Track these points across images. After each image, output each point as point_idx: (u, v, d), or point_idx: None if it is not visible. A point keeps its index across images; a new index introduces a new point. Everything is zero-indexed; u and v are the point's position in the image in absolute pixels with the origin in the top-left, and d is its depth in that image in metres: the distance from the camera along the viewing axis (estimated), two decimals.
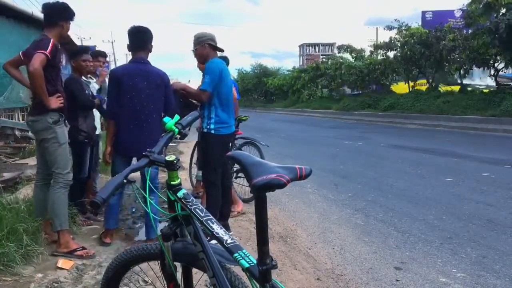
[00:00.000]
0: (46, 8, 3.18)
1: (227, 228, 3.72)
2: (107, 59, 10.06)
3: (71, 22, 3.26)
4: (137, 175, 1.44)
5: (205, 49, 3.68)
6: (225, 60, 4.34)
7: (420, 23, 23.19)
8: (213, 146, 3.61)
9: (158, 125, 3.40)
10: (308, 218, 4.50)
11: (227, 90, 3.63)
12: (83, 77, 4.14)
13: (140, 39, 3.45)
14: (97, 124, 4.36)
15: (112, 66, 22.94)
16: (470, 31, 18.06)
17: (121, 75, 3.36)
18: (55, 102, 3.10)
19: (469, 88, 19.56)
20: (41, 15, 3.31)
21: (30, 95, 3.45)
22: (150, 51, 3.53)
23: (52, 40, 3.05)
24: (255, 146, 4.90)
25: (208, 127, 3.61)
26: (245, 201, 4.88)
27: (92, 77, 4.53)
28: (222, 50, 3.83)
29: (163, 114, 3.47)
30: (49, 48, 2.98)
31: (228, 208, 3.91)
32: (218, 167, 3.66)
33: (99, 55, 4.70)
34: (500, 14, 15.53)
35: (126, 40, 3.47)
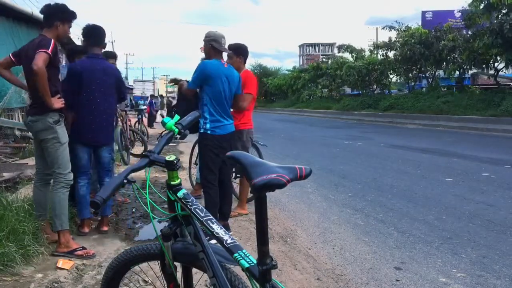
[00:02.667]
0: (44, 9, 3.22)
1: (227, 228, 3.72)
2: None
3: (70, 23, 3.27)
4: (135, 174, 1.44)
5: (208, 48, 3.73)
6: (242, 50, 4.34)
7: (420, 23, 23.22)
8: (208, 146, 3.64)
9: (113, 115, 3.81)
10: (308, 218, 4.49)
11: (217, 90, 3.61)
12: None
13: (96, 36, 3.69)
14: None
15: None
16: (469, 32, 18.07)
17: (82, 70, 3.56)
18: (57, 102, 3.09)
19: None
20: (41, 15, 3.32)
21: (29, 95, 3.45)
22: (104, 47, 3.85)
23: (52, 40, 3.06)
24: (253, 146, 4.91)
25: (204, 127, 3.64)
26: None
27: None
28: (226, 51, 3.88)
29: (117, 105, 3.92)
30: (51, 47, 2.99)
31: (228, 208, 3.91)
32: (215, 167, 3.68)
33: (109, 57, 4.76)
34: (502, 14, 15.52)
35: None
